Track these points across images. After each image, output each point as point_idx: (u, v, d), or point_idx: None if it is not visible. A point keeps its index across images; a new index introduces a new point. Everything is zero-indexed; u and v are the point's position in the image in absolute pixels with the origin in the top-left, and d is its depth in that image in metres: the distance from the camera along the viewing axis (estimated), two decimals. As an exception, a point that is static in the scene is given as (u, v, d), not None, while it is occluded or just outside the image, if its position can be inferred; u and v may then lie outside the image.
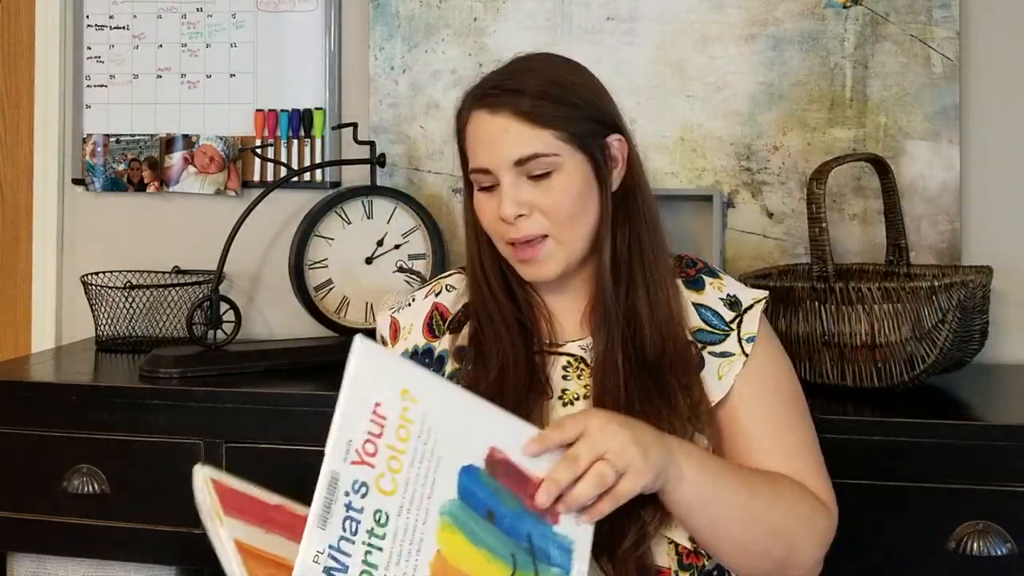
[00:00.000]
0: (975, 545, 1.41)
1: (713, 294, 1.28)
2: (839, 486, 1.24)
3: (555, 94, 1.20)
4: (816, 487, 1.20)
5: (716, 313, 1.27)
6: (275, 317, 2.19)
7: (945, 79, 1.89)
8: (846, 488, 1.27)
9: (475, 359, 1.25)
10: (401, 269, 2.01)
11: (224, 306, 1.90)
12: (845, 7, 1.93)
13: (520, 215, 1.19)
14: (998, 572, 1.41)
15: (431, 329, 1.31)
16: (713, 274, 1.31)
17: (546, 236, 1.20)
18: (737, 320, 1.26)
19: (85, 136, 2.25)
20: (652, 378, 1.20)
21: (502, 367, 1.22)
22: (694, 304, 1.27)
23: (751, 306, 1.28)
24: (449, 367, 1.28)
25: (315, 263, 1.98)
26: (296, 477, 1.66)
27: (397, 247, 2.01)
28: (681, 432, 1.16)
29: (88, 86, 2.25)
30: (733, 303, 1.28)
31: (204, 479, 1.04)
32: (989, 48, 1.90)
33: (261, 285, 2.20)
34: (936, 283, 1.55)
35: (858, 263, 1.89)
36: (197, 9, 2.20)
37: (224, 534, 0.97)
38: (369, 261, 2.01)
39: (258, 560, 0.97)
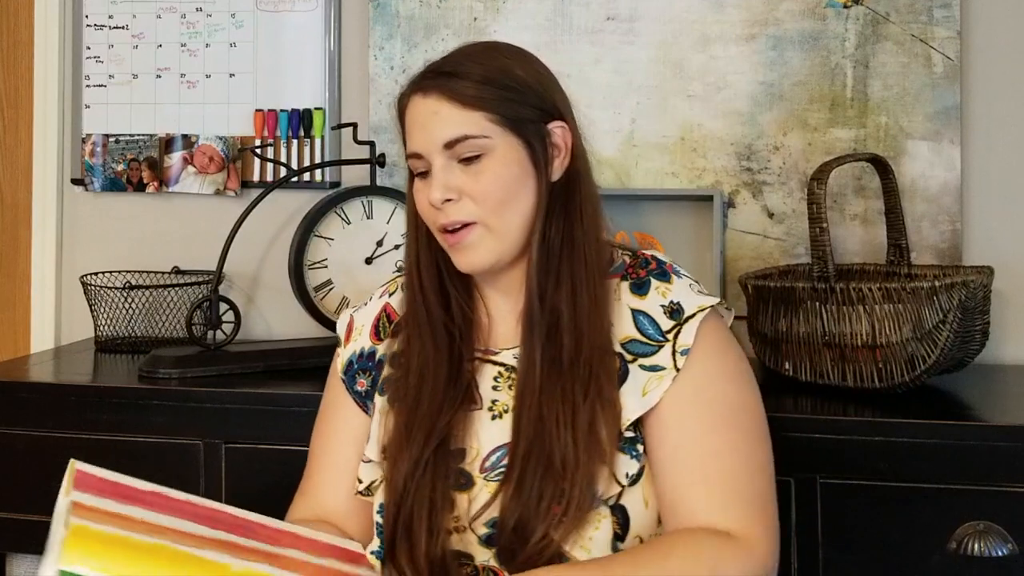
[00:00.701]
0: (976, 545, 1.40)
1: (655, 300, 1.19)
2: (840, 486, 1.23)
3: (489, 77, 1.17)
4: (739, 520, 1.10)
5: (653, 321, 1.18)
6: (275, 317, 2.19)
7: (946, 79, 1.89)
8: (847, 488, 1.27)
9: (399, 365, 1.24)
10: (401, 270, 2.00)
11: (224, 306, 1.90)
12: (846, 7, 1.93)
13: (447, 199, 1.16)
14: (999, 573, 1.40)
15: (377, 331, 1.30)
16: (664, 277, 1.21)
17: (475, 223, 1.17)
18: (675, 330, 1.17)
19: (84, 136, 2.25)
20: (565, 387, 1.13)
21: (421, 374, 1.20)
22: (632, 310, 1.19)
23: (692, 315, 1.17)
24: (385, 372, 1.27)
25: (315, 263, 1.98)
26: (295, 477, 1.67)
27: (397, 247, 2.01)
28: (588, 458, 1.10)
29: (87, 86, 2.25)
30: (674, 311, 1.18)
31: (70, 469, 1.05)
32: (990, 48, 1.90)
33: (261, 285, 2.20)
34: (937, 283, 1.54)
35: (859, 263, 1.89)
36: (196, 9, 2.20)
37: (62, 502, 0.97)
38: (369, 261, 2.01)
39: (95, 512, 0.96)
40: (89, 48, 2.25)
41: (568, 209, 1.20)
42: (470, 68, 1.17)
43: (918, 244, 1.88)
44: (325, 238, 1.98)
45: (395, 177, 2.09)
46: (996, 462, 1.42)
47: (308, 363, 1.87)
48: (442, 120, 1.16)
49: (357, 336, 1.32)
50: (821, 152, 1.92)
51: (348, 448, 1.29)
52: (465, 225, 1.17)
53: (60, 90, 2.27)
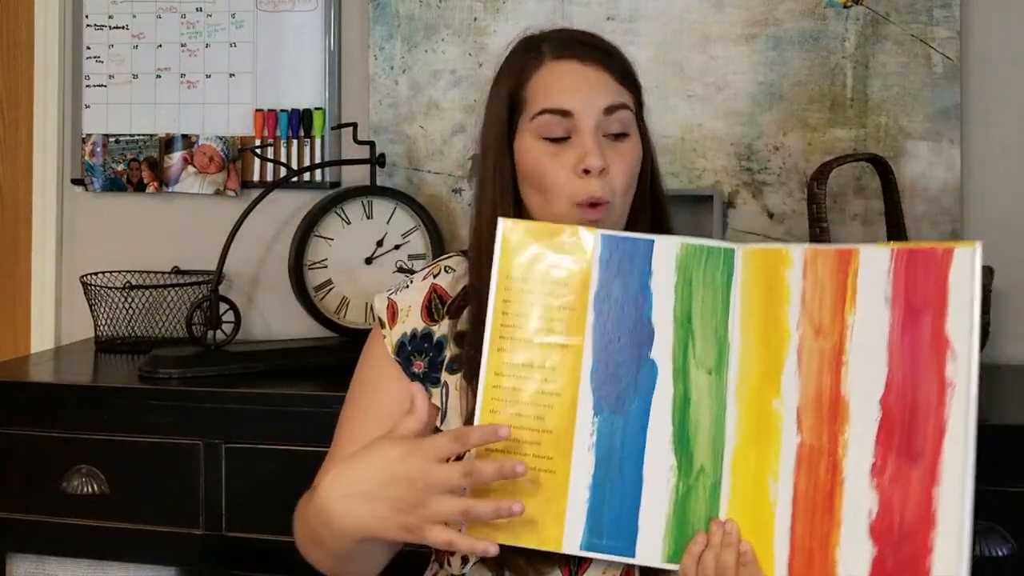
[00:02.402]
0: (976, 546, 1.40)
1: None
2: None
3: (629, 68, 1.20)
4: None
5: None
6: (275, 317, 2.19)
7: (946, 79, 1.89)
8: (847, 488, 1.26)
9: (471, 343, 1.17)
10: (401, 270, 2.00)
11: (224, 306, 1.90)
12: (846, 7, 1.93)
13: (603, 170, 1.13)
14: (999, 573, 1.40)
15: (430, 312, 1.24)
16: None
17: (608, 202, 1.14)
18: None
19: (84, 136, 2.25)
20: None
21: None
22: None
23: None
24: (449, 352, 1.22)
25: (315, 263, 1.98)
26: (295, 477, 1.66)
27: (397, 247, 2.01)
28: None
29: (87, 86, 2.25)
30: None
31: None
32: (990, 48, 1.90)
33: (261, 285, 2.20)
34: (937, 283, 1.54)
35: (858, 263, 1.89)
36: (196, 9, 2.20)
37: None
38: (369, 261, 2.01)
39: None
40: (89, 48, 2.25)
41: (661, 204, 1.23)
42: (616, 51, 1.20)
43: (918, 244, 1.88)
44: (325, 238, 1.99)
45: (395, 177, 2.09)
46: (996, 462, 1.41)
47: (308, 363, 1.87)
48: (606, 86, 1.16)
49: (404, 318, 1.24)
50: (821, 152, 1.92)
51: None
52: (603, 202, 1.14)
53: (60, 90, 2.27)
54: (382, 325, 1.25)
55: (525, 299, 1.06)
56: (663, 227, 1.23)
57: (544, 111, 1.15)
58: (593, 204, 1.14)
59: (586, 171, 1.13)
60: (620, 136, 1.16)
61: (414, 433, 1.03)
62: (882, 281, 0.97)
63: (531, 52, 1.20)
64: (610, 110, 1.15)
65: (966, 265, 0.94)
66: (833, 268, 1.00)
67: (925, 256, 0.96)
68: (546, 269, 1.07)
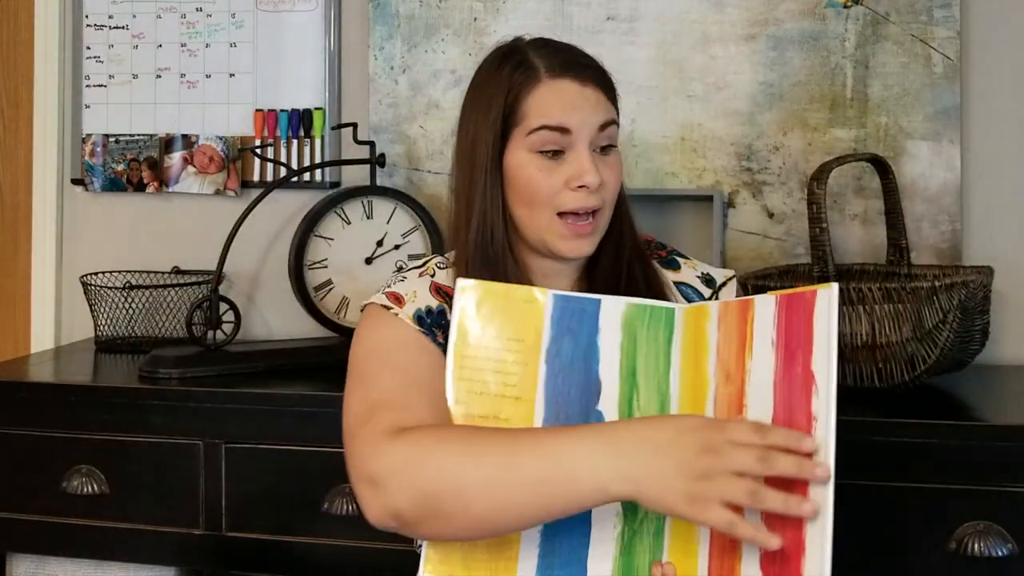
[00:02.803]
0: (976, 546, 1.41)
1: (689, 272, 1.32)
2: (840, 486, 1.23)
3: (613, 83, 1.25)
4: None
5: (696, 291, 1.30)
6: (275, 317, 2.19)
7: (946, 79, 1.89)
8: (847, 488, 1.26)
9: None
10: (402, 268, 2.00)
11: (224, 306, 1.90)
12: (846, 7, 1.93)
13: (600, 185, 1.19)
14: (999, 573, 1.40)
15: (439, 292, 1.23)
16: (683, 256, 1.35)
17: (598, 210, 1.21)
18: (713, 296, 1.30)
19: (84, 136, 2.25)
20: None
21: None
22: (675, 282, 1.30)
23: (724, 283, 1.32)
24: None
25: (315, 263, 1.98)
26: (295, 477, 1.67)
27: (397, 247, 2.01)
28: None
29: (87, 86, 2.25)
30: (708, 280, 1.32)
31: None
32: (990, 48, 1.90)
33: (261, 285, 2.20)
34: (937, 283, 1.54)
35: (859, 263, 1.89)
36: (196, 9, 2.20)
37: None
38: (369, 261, 2.01)
39: None
40: (89, 48, 2.25)
41: (625, 205, 1.29)
42: (601, 67, 1.24)
43: (918, 244, 1.88)
44: (325, 238, 1.99)
45: (395, 177, 2.09)
46: (996, 462, 1.42)
47: (308, 363, 1.87)
48: (602, 106, 1.21)
49: (413, 298, 1.21)
50: (821, 152, 1.92)
51: (439, 381, 1.11)
52: (596, 209, 1.20)
53: (60, 90, 2.27)
54: (388, 308, 1.20)
55: (482, 354, 1.10)
56: (626, 224, 1.27)
57: (543, 127, 1.19)
58: (584, 213, 1.19)
59: (581, 186, 1.18)
60: (607, 148, 1.22)
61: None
62: (770, 326, 1.01)
63: (524, 67, 1.21)
64: (603, 127, 1.21)
65: (825, 305, 0.97)
66: (737, 318, 1.05)
67: (798, 300, 1.00)
68: (501, 326, 1.10)
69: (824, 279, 1.61)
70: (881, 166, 1.79)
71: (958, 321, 1.55)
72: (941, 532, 1.43)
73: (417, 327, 1.18)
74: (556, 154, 1.19)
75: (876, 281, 1.71)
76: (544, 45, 1.25)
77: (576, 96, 1.20)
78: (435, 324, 1.19)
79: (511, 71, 1.21)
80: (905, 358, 1.57)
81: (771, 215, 1.96)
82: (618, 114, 1.25)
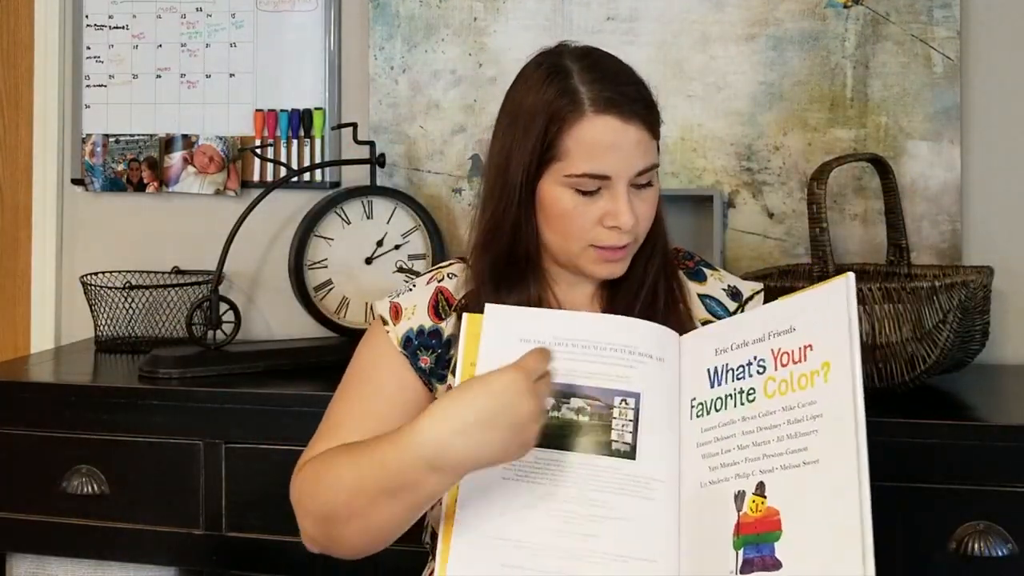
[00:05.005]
0: (976, 546, 1.41)
1: (715, 285, 1.32)
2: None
3: (658, 113, 1.23)
4: None
5: (720, 304, 1.29)
6: (275, 317, 2.19)
7: (946, 79, 1.89)
8: (847, 489, 1.26)
9: None
10: (401, 269, 2.00)
11: (224, 306, 1.90)
12: (846, 7, 1.93)
13: (634, 224, 1.19)
14: (999, 573, 1.40)
15: (437, 311, 1.27)
16: (710, 266, 1.35)
17: (629, 245, 1.21)
18: (738, 310, 1.30)
19: (84, 136, 2.25)
20: None
21: None
22: (699, 295, 1.30)
23: (751, 296, 1.32)
24: (455, 351, 1.23)
25: (315, 263, 1.98)
26: (296, 477, 1.65)
27: (397, 247, 2.01)
28: None
29: (87, 86, 2.25)
30: (734, 294, 1.31)
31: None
32: (990, 48, 1.90)
33: (261, 285, 2.20)
34: (937, 283, 1.54)
35: (859, 263, 1.89)
36: (196, 9, 2.20)
37: None
38: (369, 261, 2.01)
39: None
40: (89, 48, 2.25)
41: (663, 224, 1.28)
42: (644, 93, 1.21)
43: (918, 244, 1.88)
44: (325, 238, 1.98)
45: (395, 177, 2.09)
46: (996, 462, 1.42)
47: (308, 363, 1.87)
48: (643, 150, 1.18)
49: (410, 315, 1.26)
50: (821, 152, 1.92)
51: (397, 411, 1.19)
52: (626, 245, 1.21)
53: (60, 90, 2.27)
54: (384, 322, 1.27)
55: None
56: (659, 242, 1.27)
57: (587, 174, 1.17)
58: (616, 248, 1.20)
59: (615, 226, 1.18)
60: (644, 186, 1.21)
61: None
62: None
63: (568, 96, 1.18)
64: (643, 172, 1.19)
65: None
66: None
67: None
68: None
69: (824, 279, 1.60)
70: (881, 166, 1.79)
71: (958, 321, 1.55)
72: (941, 532, 1.43)
73: (402, 350, 1.24)
74: (594, 193, 1.18)
75: (876, 281, 1.71)
76: (592, 68, 1.20)
77: (620, 137, 1.17)
78: (423, 346, 1.25)
79: (555, 96, 1.18)
80: (905, 358, 1.57)
81: (771, 215, 1.96)
82: (659, 147, 1.22)
